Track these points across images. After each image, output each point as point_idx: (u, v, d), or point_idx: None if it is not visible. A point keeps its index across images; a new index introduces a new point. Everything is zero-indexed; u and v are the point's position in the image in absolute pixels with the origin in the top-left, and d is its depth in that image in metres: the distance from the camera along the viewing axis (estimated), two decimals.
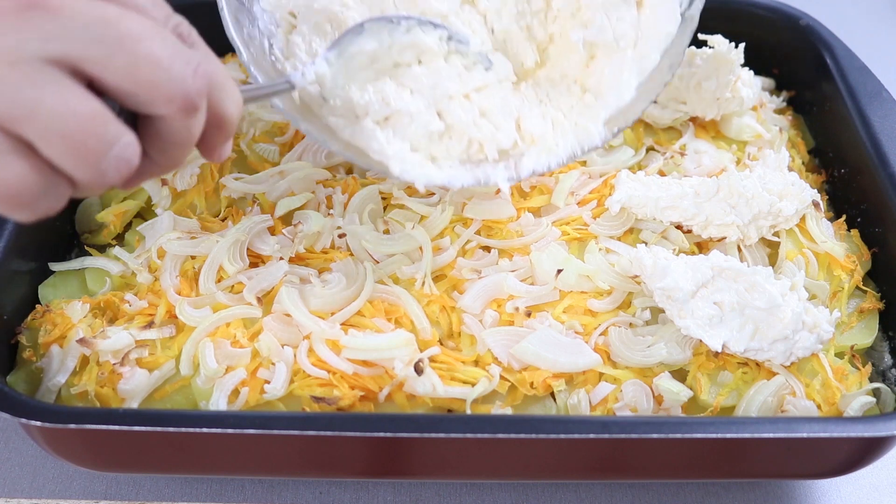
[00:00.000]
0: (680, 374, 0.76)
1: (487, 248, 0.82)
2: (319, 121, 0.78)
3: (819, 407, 0.74)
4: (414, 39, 0.76)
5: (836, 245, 0.85)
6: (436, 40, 0.77)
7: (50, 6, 0.46)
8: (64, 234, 0.89)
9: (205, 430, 0.64)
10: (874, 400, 0.76)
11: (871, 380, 0.78)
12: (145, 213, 0.90)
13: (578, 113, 0.83)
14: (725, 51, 0.93)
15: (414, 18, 0.76)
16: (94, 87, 0.48)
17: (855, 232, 0.89)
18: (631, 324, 0.78)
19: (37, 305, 0.79)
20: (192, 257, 0.81)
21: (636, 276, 0.80)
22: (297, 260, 0.81)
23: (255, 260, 0.81)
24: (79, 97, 0.46)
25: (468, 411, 0.72)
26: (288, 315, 0.75)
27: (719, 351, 0.74)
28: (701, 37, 0.94)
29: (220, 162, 0.59)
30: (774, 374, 0.75)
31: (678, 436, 0.66)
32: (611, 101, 0.83)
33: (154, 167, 0.54)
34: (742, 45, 0.95)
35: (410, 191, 0.86)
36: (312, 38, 0.82)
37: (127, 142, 0.48)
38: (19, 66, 0.45)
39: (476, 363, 0.75)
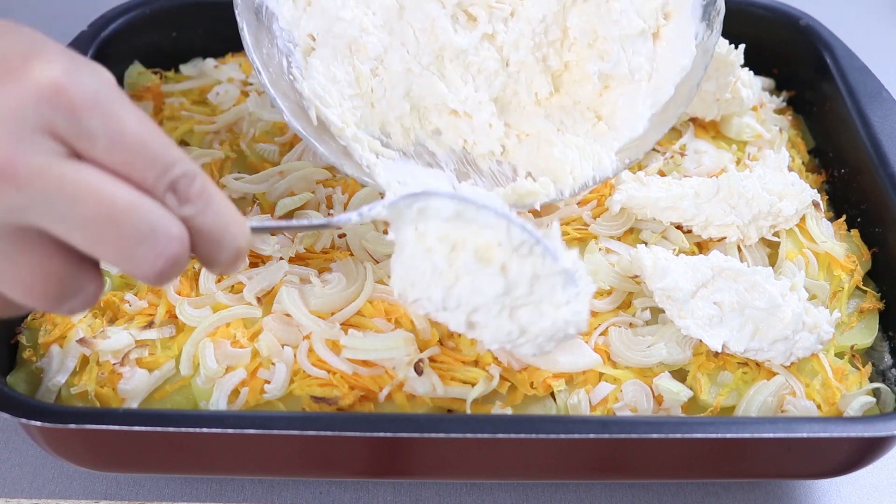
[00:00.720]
0: (680, 374, 0.76)
1: None
2: (336, 142, 0.78)
3: (819, 407, 0.74)
4: (495, 225, 0.63)
5: (836, 245, 0.85)
6: (516, 243, 0.63)
7: (17, 177, 0.44)
8: None
9: (205, 430, 0.64)
10: (874, 400, 0.76)
11: (871, 380, 0.79)
12: None
13: (593, 139, 0.83)
14: (725, 52, 0.93)
15: (504, 215, 0.63)
16: None
17: (855, 232, 0.89)
18: (631, 324, 0.78)
19: None
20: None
21: (636, 276, 0.80)
22: (297, 260, 0.81)
23: (255, 260, 0.81)
24: (38, 261, 0.47)
25: (468, 411, 0.72)
26: (288, 315, 0.75)
27: (719, 351, 0.74)
28: None
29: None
30: (774, 374, 0.75)
31: (678, 436, 0.66)
32: (624, 133, 0.84)
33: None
34: (742, 47, 0.95)
35: None
36: (331, 62, 0.81)
37: (86, 295, 0.49)
38: None
39: (476, 363, 0.75)
